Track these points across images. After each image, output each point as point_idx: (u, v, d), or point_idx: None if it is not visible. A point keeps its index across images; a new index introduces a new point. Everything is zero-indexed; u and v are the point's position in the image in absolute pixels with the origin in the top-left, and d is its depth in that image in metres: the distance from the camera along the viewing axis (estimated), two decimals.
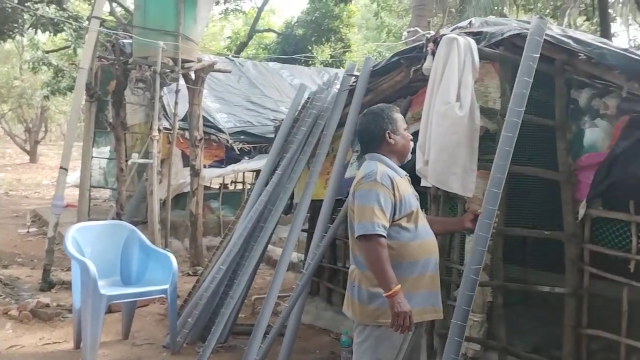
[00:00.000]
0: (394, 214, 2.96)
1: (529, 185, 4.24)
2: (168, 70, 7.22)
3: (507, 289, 4.17)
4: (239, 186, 11.20)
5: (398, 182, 3.03)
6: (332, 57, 19.08)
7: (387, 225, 2.90)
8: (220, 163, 9.82)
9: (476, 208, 3.42)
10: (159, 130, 7.28)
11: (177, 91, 7.62)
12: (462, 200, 4.56)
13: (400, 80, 5.16)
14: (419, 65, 4.67)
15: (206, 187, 10.62)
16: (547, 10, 16.31)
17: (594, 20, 15.05)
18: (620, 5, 15.78)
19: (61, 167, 7.10)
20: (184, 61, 7.49)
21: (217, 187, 11.08)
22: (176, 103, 7.64)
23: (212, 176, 9.94)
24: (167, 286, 5.14)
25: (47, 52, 15.24)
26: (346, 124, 5.42)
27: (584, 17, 16.04)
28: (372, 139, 3.19)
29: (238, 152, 9.66)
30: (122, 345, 5.39)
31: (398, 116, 3.23)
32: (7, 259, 8.45)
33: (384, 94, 5.48)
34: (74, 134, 7.26)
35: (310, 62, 18.44)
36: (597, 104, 3.97)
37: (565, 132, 4.09)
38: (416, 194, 3.22)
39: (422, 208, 3.29)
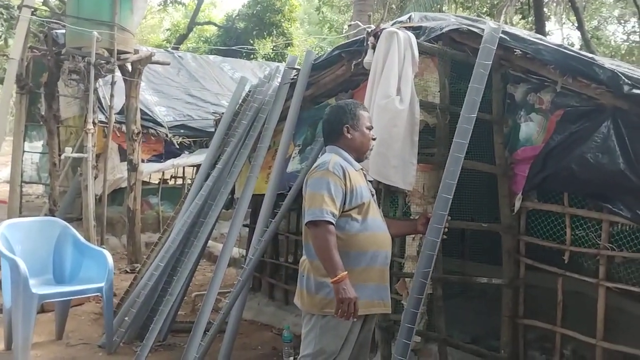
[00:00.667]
0: (344, 203, 2.99)
1: (467, 179, 4.27)
2: (103, 62, 6.98)
3: (446, 281, 4.21)
4: (179, 181, 10.99)
5: (351, 173, 3.05)
6: (274, 51, 18.96)
7: (337, 213, 2.93)
8: (159, 157, 9.60)
9: (427, 213, 3.48)
10: (94, 123, 7.04)
11: (112, 83, 7.40)
12: (402, 194, 4.58)
13: (342, 74, 5.15)
14: (359, 59, 4.66)
15: (145, 182, 10.39)
16: (484, 9, 16.66)
17: (530, 19, 15.47)
18: (554, 4, 16.27)
19: None
20: (120, 52, 7.26)
21: (157, 182, 10.84)
22: (112, 95, 7.41)
23: (151, 171, 9.72)
24: (102, 284, 4.98)
25: None
26: (287, 118, 5.37)
27: (520, 16, 16.46)
28: (331, 130, 3.24)
29: (177, 147, 9.47)
30: (55, 346, 5.19)
31: (363, 114, 3.25)
32: None
33: (326, 87, 5.47)
34: (4, 127, 6.93)
35: (252, 56, 18.28)
36: (533, 98, 4.05)
37: (502, 126, 4.17)
38: (372, 189, 3.26)
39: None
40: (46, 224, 5.49)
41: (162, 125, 9.44)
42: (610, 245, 3.67)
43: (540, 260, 4.02)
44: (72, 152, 7.73)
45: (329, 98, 5.52)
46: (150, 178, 11.16)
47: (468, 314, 5.10)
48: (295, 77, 5.46)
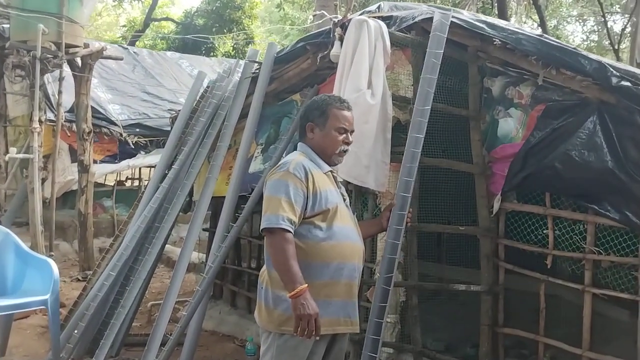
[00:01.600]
0: (306, 209, 2.66)
1: (443, 179, 4.03)
2: (50, 56, 6.52)
3: (422, 289, 3.93)
4: (136, 183, 10.53)
5: (316, 175, 2.71)
6: (234, 48, 18.53)
7: (296, 220, 2.61)
8: (114, 158, 9.14)
9: (391, 204, 3.15)
10: (41, 122, 6.57)
11: (60, 79, 6.93)
12: (372, 195, 4.30)
13: (307, 67, 4.85)
14: (326, 52, 4.38)
15: (99, 184, 9.91)
16: (448, 5, 16.56)
17: (493, 16, 15.40)
18: (515, 3, 16.28)
19: None
20: (68, 46, 6.82)
21: (112, 184, 10.35)
22: (60, 92, 6.95)
23: (104, 172, 9.25)
24: (47, 296, 4.54)
25: None
26: (249, 115, 5.03)
27: (481, 13, 16.42)
28: (300, 126, 2.92)
29: (133, 146, 9.02)
30: None
31: (337, 113, 2.81)
32: None
33: (290, 82, 5.15)
34: None
35: (211, 53, 17.83)
36: (511, 92, 3.82)
37: (479, 122, 3.92)
38: (344, 194, 2.93)
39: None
40: None
41: (115, 124, 8.98)
42: (597, 249, 3.44)
43: (521, 265, 3.78)
44: (17, 153, 7.21)
45: (293, 94, 5.21)
46: (105, 180, 10.65)
47: (441, 319, 4.85)
48: (257, 71, 5.12)
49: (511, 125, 3.79)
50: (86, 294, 5.20)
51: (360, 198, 4.07)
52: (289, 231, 2.57)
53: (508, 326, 3.87)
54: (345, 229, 2.76)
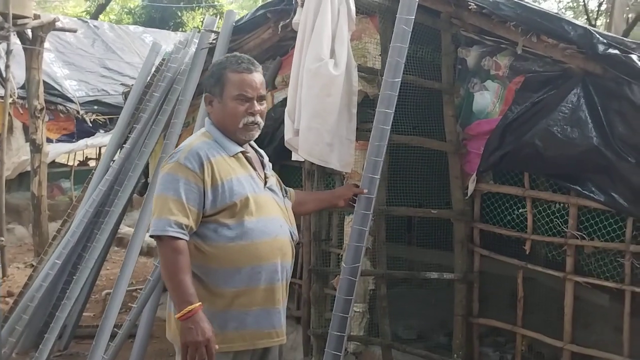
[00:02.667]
0: (205, 206, 2.22)
1: (414, 158, 3.72)
2: None
3: (391, 278, 3.63)
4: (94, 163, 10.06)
5: (216, 162, 2.25)
6: (203, 23, 17.94)
7: (190, 222, 2.18)
8: (71, 137, 8.66)
9: (358, 190, 2.74)
10: None
11: (8, 52, 6.44)
12: (339, 176, 3.98)
13: (268, 38, 4.49)
14: (288, 20, 4.03)
15: (57, 164, 9.44)
16: None
17: None
18: None
19: None
20: (16, 17, 6.33)
21: (70, 164, 9.87)
22: (7, 66, 6.46)
23: (60, 152, 8.77)
24: None
25: None
26: None
27: None
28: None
29: (91, 125, 8.54)
30: None
31: (233, 78, 2.30)
32: None
33: (250, 54, 4.68)
34: None
35: (180, 29, 17.24)
36: (488, 63, 3.52)
37: (452, 96, 3.62)
38: (269, 175, 2.44)
39: (284, 192, 2.54)
40: None
41: (72, 101, 8.48)
42: (579, 233, 3.16)
43: (498, 251, 3.50)
44: None
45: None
46: (69, 160, 10.16)
47: (412, 305, 4.58)
48: (214, 41, 4.73)
49: (487, 100, 3.49)
50: (31, 284, 4.81)
51: (325, 179, 3.75)
52: (179, 238, 2.15)
53: (484, 316, 3.61)
54: (263, 223, 2.30)
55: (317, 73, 3.20)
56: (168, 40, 11.68)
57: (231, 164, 2.29)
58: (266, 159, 2.51)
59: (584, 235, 3.16)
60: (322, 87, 3.19)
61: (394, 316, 3.75)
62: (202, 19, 18.42)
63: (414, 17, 3.15)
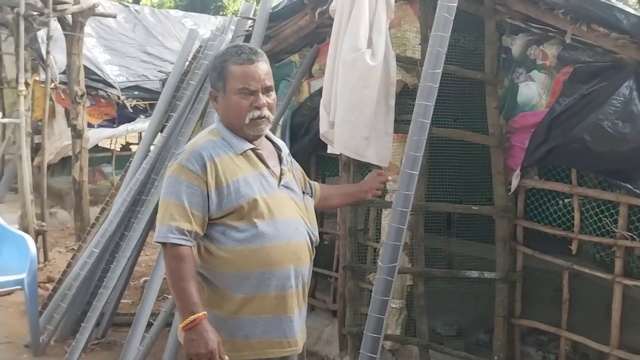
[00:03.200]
0: (210, 209, 2.10)
1: (454, 152, 3.57)
2: (35, 13, 6.07)
3: (429, 275, 3.51)
4: (135, 148, 10.13)
5: (222, 163, 2.11)
6: None
7: (194, 227, 2.07)
8: (112, 122, 8.69)
9: (383, 178, 2.68)
10: (27, 84, 6.17)
11: (48, 38, 6.48)
12: (377, 168, 3.86)
13: (305, 25, 4.40)
14: (325, 7, 3.91)
15: (100, 149, 9.53)
16: None
17: None
18: None
19: None
20: (56, 2, 6.34)
21: (112, 149, 9.97)
22: (47, 52, 6.51)
23: (101, 137, 8.83)
24: (23, 275, 4.21)
25: None
26: None
27: None
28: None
29: (131, 110, 8.57)
30: None
31: (234, 71, 2.14)
32: None
33: (287, 41, 4.69)
34: None
35: (221, 13, 17.25)
36: (534, 52, 3.33)
37: (496, 87, 3.44)
38: (285, 171, 2.25)
39: (307, 188, 2.40)
40: None
41: (113, 87, 8.51)
42: (630, 234, 2.99)
43: (542, 250, 3.34)
44: (9, 117, 6.83)
45: (291, 54, 4.75)
46: (111, 144, 10.27)
47: (452, 300, 4.44)
48: (251, 28, 4.64)
49: (533, 91, 3.31)
50: (69, 272, 4.85)
51: (361, 171, 3.64)
52: (182, 245, 2.05)
53: (526, 316, 3.47)
54: (275, 226, 2.14)
55: (353, 64, 3.09)
56: (208, 24, 11.62)
57: (238, 163, 2.14)
58: (285, 151, 2.33)
59: (634, 237, 2.98)
60: (359, 78, 3.09)
61: (432, 312, 3.64)
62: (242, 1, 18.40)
63: (456, 4, 3.01)
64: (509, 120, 3.39)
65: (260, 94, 2.14)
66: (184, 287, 2.02)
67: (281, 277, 2.14)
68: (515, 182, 3.32)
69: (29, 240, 4.41)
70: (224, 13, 17.57)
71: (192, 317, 1.98)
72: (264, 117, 2.15)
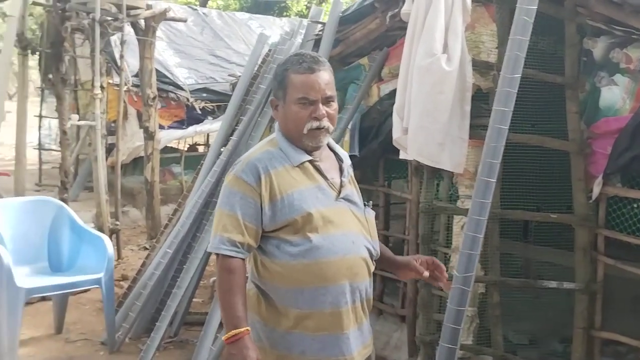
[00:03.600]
0: (263, 222, 2.05)
1: (532, 158, 3.48)
2: (110, 18, 6.26)
3: (505, 285, 3.42)
4: (206, 149, 10.33)
5: (278, 175, 2.05)
6: (307, 8, 17.98)
7: (246, 239, 2.02)
8: (181, 124, 8.92)
9: (422, 270, 2.27)
10: (102, 87, 6.36)
11: (122, 42, 6.68)
12: (448, 173, 3.80)
13: (375, 28, 4.37)
14: (396, 10, 3.88)
15: (169, 150, 9.76)
16: None
17: None
18: None
19: None
20: (130, 7, 6.53)
21: (181, 149, 10.20)
22: (121, 56, 6.71)
23: (171, 138, 9.04)
24: (101, 275, 4.35)
25: None
26: None
27: None
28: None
29: (200, 112, 8.75)
30: (53, 342, 4.62)
31: (295, 80, 2.07)
32: None
33: (357, 44, 4.68)
34: (4, 92, 6.32)
35: (284, 14, 17.37)
36: (617, 56, 3.21)
37: (577, 91, 3.33)
38: (345, 183, 2.15)
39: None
40: (39, 205, 4.85)
41: (183, 89, 8.71)
42: None
43: (626, 260, 3.21)
44: (83, 119, 7.08)
45: (360, 57, 4.74)
46: (179, 145, 10.52)
47: (524, 307, 4.33)
48: (321, 32, 4.65)
49: (616, 95, 3.19)
50: (144, 271, 4.99)
51: (435, 179, 3.59)
52: (233, 256, 2.00)
53: (606, 327, 3.34)
54: (330, 240, 2.04)
55: (428, 69, 3.06)
56: (273, 26, 11.76)
57: (294, 176, 2.07)
58: (347, 162, 2.23)
59: None
60: (434, 84, 3.05)
61: (503, 319, 3.55)
62: (306, 4, 18.46)
63: (536, 7, 2.92)
64: (590, 125, 3.27)
65: (320, 105, 2.06)
66: (230, 300, 1.99)
67: (336, 294, 2.05)
68: (597, 189, 3.20)
69: (107, 240, 4.55)
70: (287, 14, 17.69)
71: (234, 332, 1.95)
72: (322, 128, 2.07)
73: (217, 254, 2.02)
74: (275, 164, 2.06)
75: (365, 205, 2.22)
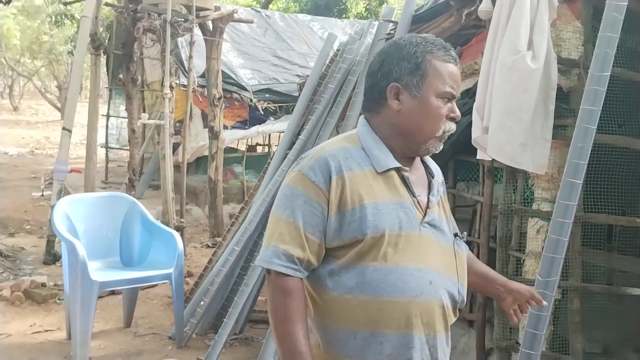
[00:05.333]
0: (327, 235, 1.63)
1: (617, 159, 3.34)
2: (180, 20, 6.37)
3: (586, 291, 3.30)
4: (266, 149, 10.44)
5: (352, 178, 1.62)
6: (366, 9, 17.94)
7: (306, 254, 1.61)
8: (244, 124, 9.01)
9: (535, 298, 1.93)
10: (172, 87, 6.47)
11: (191, 43, 6.78)
12: (523, 174, 3.69)
13: (449, 27, 4.27)
14: (473, 7, 3.80)
15: (230, 150, 9.88)
16: None
17: None
18: None
19: (64, 129, 6.37)
20: (199, 9, 6.64)
21: (243, 149, 10.32)
22: (190, 56, 6.80)
23: (234, 138, 9.15)
24: (171, 270, 4.41)
25: (65, 3, 14.46)
26: None
27: None
28: (368, 89, 1.75)
29: (262, 112, 8.82)
30: (122, 335, 4.71)
31: (437, 66, 1.65)
32: (15, 225, 7.85)
33: None
34: (77, 90, 6.52)
35: (343, 16, 17.37)
36: None
37: None
38: (433, 203, 1.72)
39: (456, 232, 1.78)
40: (112, 200, 4.97)
41: (246, 90, 8.81)
42: None
43: None
44: (151, 118, 7.22)
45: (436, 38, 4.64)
46: (238, 145, 10.65)
47: (597, 314, 4.16)
48: (392, 31, 4.61)
49: None
50: (211, 267, 5.03)
51: (513, 180, 3.49)
52: (290, 275, 1.60)
53: None
54: (399, 273, 1.60)
55: (512, 67, 2.97)
56: (335, 28, 11.77)
57: (374, 184, 1.64)
58: (439, 179, 1.82)
59: None
60: (518, 82, 2.96)
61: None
62: (365, 5, 18.41)
63: (626, 4, 2.81)
64: None
65: (454, 104, 1.70)
66: (289, 331, 1.57)
67: (396, 345, 1.61)
68: None
69: (177, 236, 4.61)
70: (347, 16, 17.68)
71: None
72: (450, 132, 1.70)
73: (269, 270, 1.63)
74: (352, 165, 1.64)
75: (456, 236, 1.77)
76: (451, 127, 1.69)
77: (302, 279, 1.63)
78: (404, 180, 1.68)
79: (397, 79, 1.66)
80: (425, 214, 1.67)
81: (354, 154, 1.66)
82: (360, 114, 4.50)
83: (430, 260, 1.64)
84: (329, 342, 1.65)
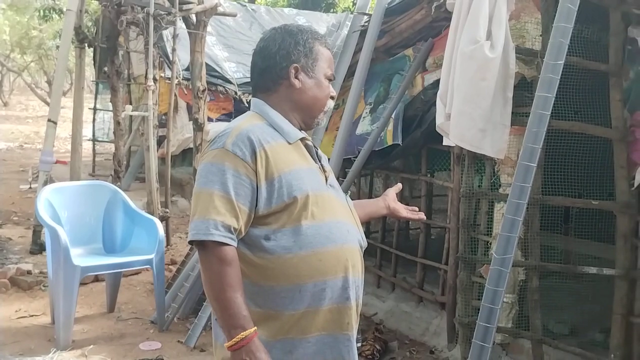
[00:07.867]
0: (257, 205, 1.75)
1: (574, 145, 3.50)
2: (163, 13, 6.47)
3: (544, 269, 3.46)
4: None
5: (273, 150, 1.77)
6: (354, 3, 18.05)
7: (240, 224, 1.72)
8: (229, 116, 9.11)
9: (392, 193, 2.24)
10: (155, 80, 6.58)
11: (174, 36, 6.89)
12: (490, 162, 3.86)
13: (421, 19, 4.44)
14: (442, 1, 3.95)
15: None
16: None
17: None
18: None
19: (49, 120, 6.48)
20: (182, 2, 6.73)
21: None
22: (174, 49, 6.91)
23: (219, 130, 9.26)
24: (152, 256, 4.54)
25: None
26: (356, 72, 4.70)
27: None
28: (266, 70, 1.90)
29: (247, 105, 8.94)
30: (105, 320, 4.83)
31: (323, 52, 1.91)
32: (3, 217, 7.95)
33: (402, 36, 4.75)
34: (62, 83, 6.62)
35: (331, 10, 17.49)
36: None
37: (620, 79, 3.34)
38: (326, 167, 1.93)
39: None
40: (94, 189, 5.09)
41: (231, 82, 8.92)
42: None
43: None
44: (137, 110, 7.33)
45: (405, 48, 4.81)
46: None
47: (564, 297, 4.34)
48: (366, 24, 4.75)
49: None
50: (192, 254, 5.16)
51: (475, 164, 3.64)
52: (228, 244, 1.69)
53: None
54: (327, 227, 1.80)
55: (471, 56, 3.11)
56: (320, 22, 11.86)
57: (289, 154, 1.81)
58: (320, 150, 2.00)
59: None
60: (477, 70, 3.11)
61: (544, 309, 3.58)
62: (352, 0, 18.54)
63: None
64: (633, 113, 3.28)
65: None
66: (230, 298, 1.66)
67: (336, 288, 1.79)
68: (639, 177, 3.21)
69: (158, 223, 4.74)
70: (334, 10, 17.81)
71: (242, 334, 1.65)
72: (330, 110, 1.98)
73: (206, 243, 1.68)
74: (268, 138, 1.78)
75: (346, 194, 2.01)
76: (331, 104, 1.96)
77: (235, 247, 1.73)
78: (308, 149, 1.89)
79: (296, 60, 1.88)
80: (327, 178, 1.90)
81: (265, 130, 1.81)
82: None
83: (340, 215, 1.87)
84: (271, 303, 1.76)
